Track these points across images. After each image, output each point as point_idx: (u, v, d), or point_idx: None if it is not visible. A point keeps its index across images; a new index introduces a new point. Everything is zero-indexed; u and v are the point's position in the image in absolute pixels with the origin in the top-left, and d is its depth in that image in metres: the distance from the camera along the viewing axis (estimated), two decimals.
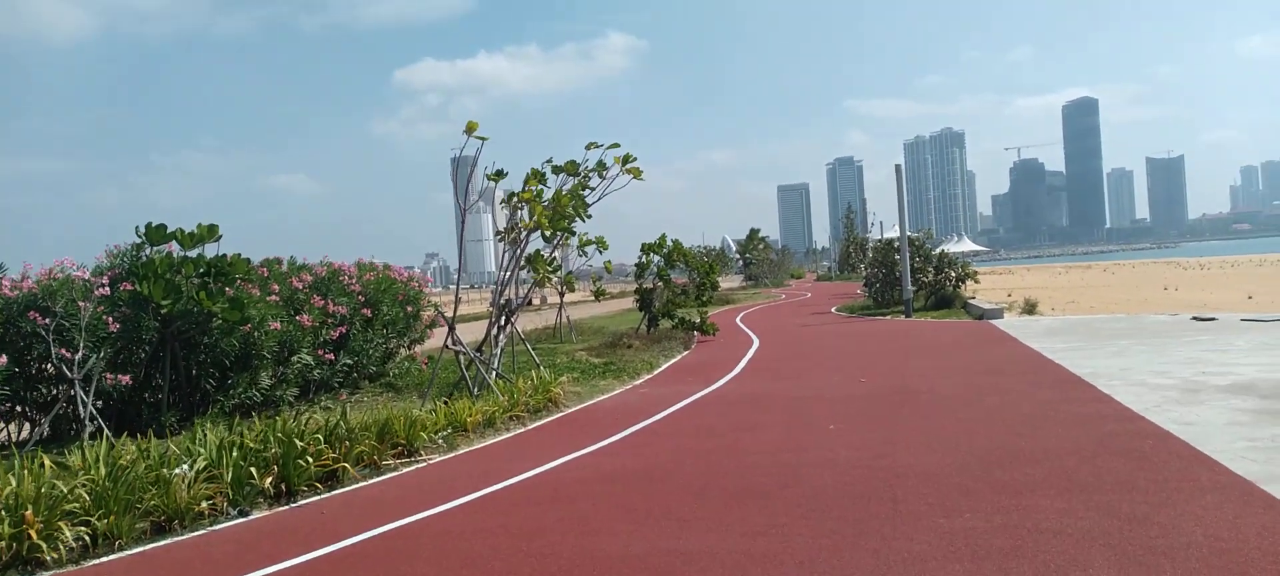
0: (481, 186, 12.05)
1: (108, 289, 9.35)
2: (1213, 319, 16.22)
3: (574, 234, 13.81)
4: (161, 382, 9.91)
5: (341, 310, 11.97)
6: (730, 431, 8.52)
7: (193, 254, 10.37)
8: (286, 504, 6.73)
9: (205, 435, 7.43)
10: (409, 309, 14.26)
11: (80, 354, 8.56)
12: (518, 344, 14.55)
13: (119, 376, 9.37)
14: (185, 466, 6.72)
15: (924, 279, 27.40)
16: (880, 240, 36.20)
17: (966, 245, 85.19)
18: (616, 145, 13.87)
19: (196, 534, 6.04)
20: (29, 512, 5.55)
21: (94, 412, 8.59)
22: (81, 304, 8.82)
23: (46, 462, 6.36)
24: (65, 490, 5.88)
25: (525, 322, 25.58)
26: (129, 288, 9.70)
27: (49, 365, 8.99)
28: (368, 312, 12.69)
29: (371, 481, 7.29)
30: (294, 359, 11.16)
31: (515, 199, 10.85)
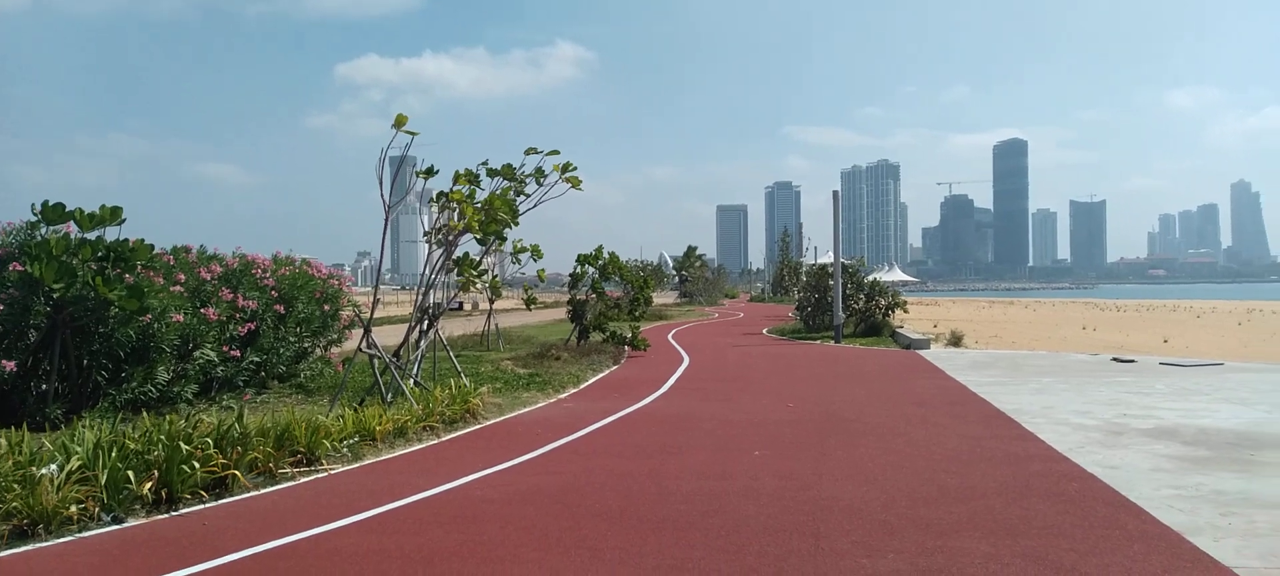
0: (411, 184, 11.56)
1: None
2: (1132, 360, 16.55)
3: (506, 239, 13.39)
4: (50, 371, 9.19)
5: (252, 305, 11.33)
6: (653, 453, 8.20)
7: (92, 236, 9.67)
8: (167, 512, 6.19)
9: (83, 432, 6.83)
10: (327, 307, 13.63)
11: None
12: (440, 350, 14.03)
13: (3, 362, 8.65)
14: (54, 466, 6.13)
15: (855, 306, 27.60)
16: (814, 265, 36.50)
17: (897, 275, 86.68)
18: (556, 152, 13.54)
19: (62, 541, 5.48)
20: None
21: None
22: None
23: None
24: None
25: (453, 328, 24.94)
26: (19, 268, 8.98)
27: None
28: (281, 309, 12.05)
29: (264, 491, 6.76)
30: (196, 354, 10.49)
31: (445, 199, 10.40)
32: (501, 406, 11.04)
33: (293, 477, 7.15)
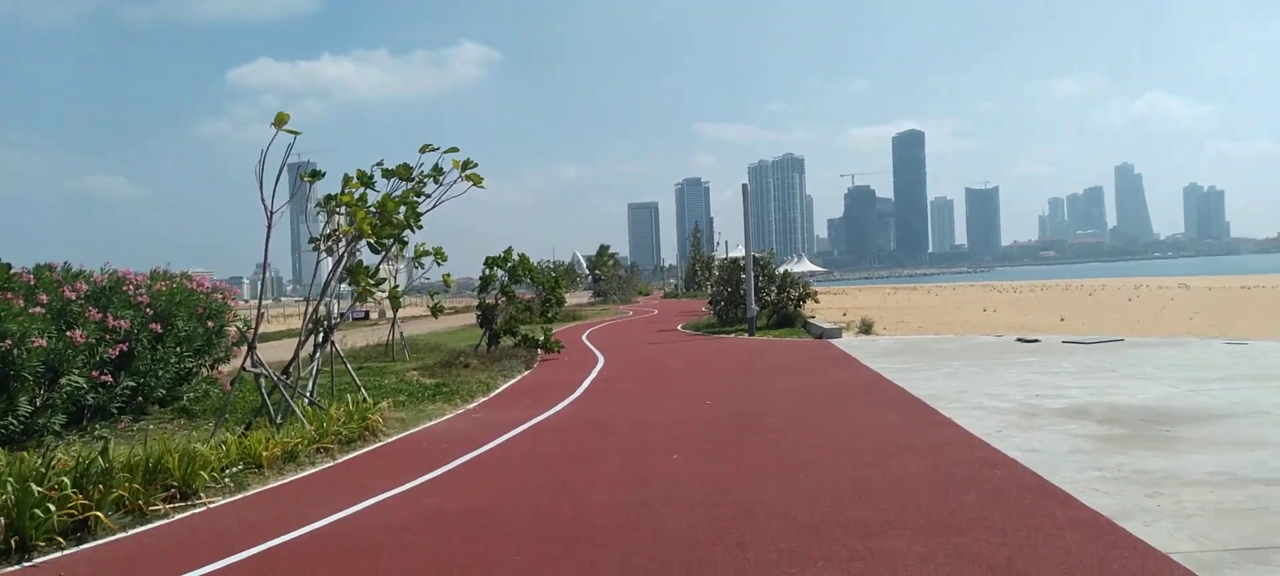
0: (306, 188, 10.80)
1: None
2: (1036, 340, 16.89)
3: (405, 243, 12.72)
4: None
5: (124, 325, 10.40)
6: (567, 462, 7.76)
7: None
8: (18, 562, 5.46)
9: None
10: (210, 324, 12.71)
11: None
12: (338, 364, 13.26)
13: None
14: None
15: (767, 298, 27.66)
16: (726, 258, 36.56)
17: (806, 265, 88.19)
18: (455, 149, 12.92)
19: None
20: None
21: None
22: None
23: None
24: None
25: (357, 339, 23.94)
26: None
27: None
28: (158, 328, 11.12)
29: (132, 532, 6.06)
30: (63, 381, 9.55)
31: (332, 202, 9.71)
32: (405, 421, 10.42)
33: (165, 515, 6.45)
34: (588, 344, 22.98)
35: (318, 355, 11.08)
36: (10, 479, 6.03)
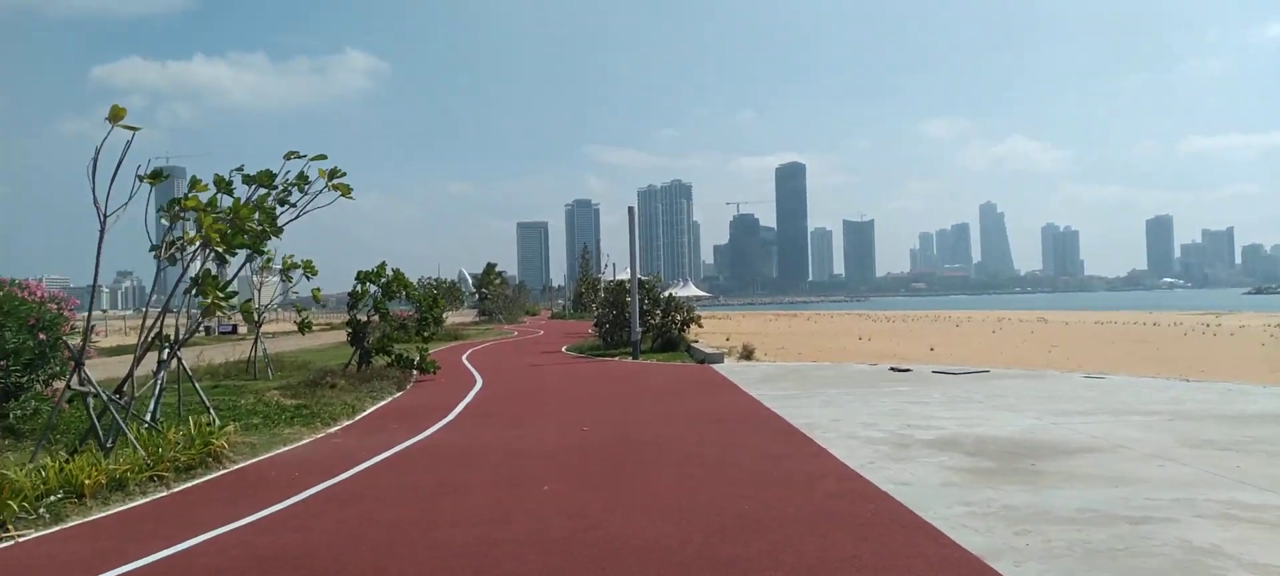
0: (134, 187, 9.88)
1: None
2: (908, 370, 17.30)
3: (264, 254, 11.91)
4: None
5: None
6: (429, 495, 7.26)
7: None
8: None
9: None
10: (43, 336, 11.52)
11: None
12: (186, 382, 12.26)
13: None
14: None
15: (652, 321, 27.58)
16: (612, 281, 36.40)
17: (692, 290, 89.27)
18: (323, 156, 12.18)
19: None
20: None
21: None
22: None
23: None
24: None
25: (219, 355, 22.47)
26: None
27: None
28: None
29: None
30: None
31: (176, 207, 8.91)
32: (256, 446, 9.64)
33: None
34: (467, 365, 22.28)
35: (161, 373, 10.16)
36: None
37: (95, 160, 7.72)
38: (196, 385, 11.84)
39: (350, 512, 6.72)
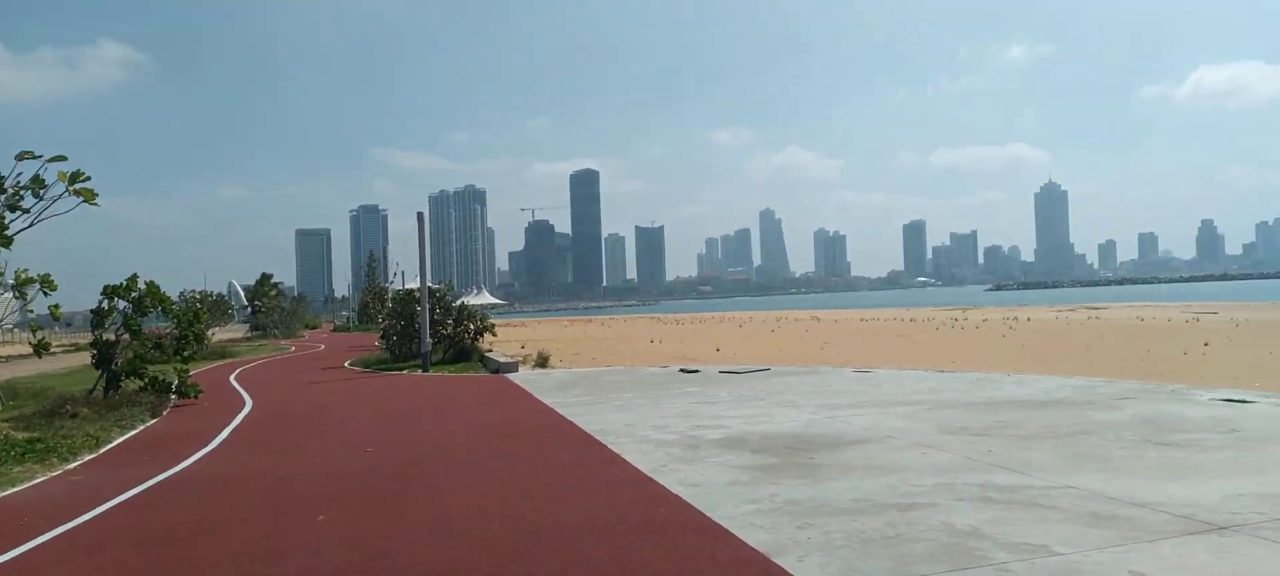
0: None
1: None
2: (697, 370, 17.81)
3: None
4: None
5: None
6: (183, 536, 6.50)
7: None
8: None
9: None
10: None
11: None
12: None
13: None
14: None
15: (444, 331, 26.80)
16: (401, 290, 35.05)
17: (486, 298, 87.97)
18: (62, 158, 10.90)
19: None
20: None
21: None
22: None
23: None
24: None
25: None
26: None
27: None
28: None
29: None
30: None
31: None
32: None
33: None
34: (236, 386, 20.59)
35: None
36: None
37: None
38: None
39: (87, 563, 5.87)
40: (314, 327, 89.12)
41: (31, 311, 17.40)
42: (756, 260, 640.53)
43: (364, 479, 8.36)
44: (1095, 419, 9.75)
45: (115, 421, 12.97)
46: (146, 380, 16.54)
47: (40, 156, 10.77)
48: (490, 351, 25.71)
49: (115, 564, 5.81)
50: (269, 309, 73.03)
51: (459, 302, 29.99)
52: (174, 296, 20.59)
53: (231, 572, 5.46)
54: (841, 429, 9.76)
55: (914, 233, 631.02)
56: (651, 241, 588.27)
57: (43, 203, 11.03)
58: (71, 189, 10.92)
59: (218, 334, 51.15)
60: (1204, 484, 6.58)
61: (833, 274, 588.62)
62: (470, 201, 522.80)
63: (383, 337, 30.99)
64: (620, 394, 14.35)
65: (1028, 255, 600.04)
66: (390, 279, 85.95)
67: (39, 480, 8.98)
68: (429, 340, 24.01)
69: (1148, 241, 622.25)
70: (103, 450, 10.87)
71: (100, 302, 17.27)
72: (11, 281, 14.71)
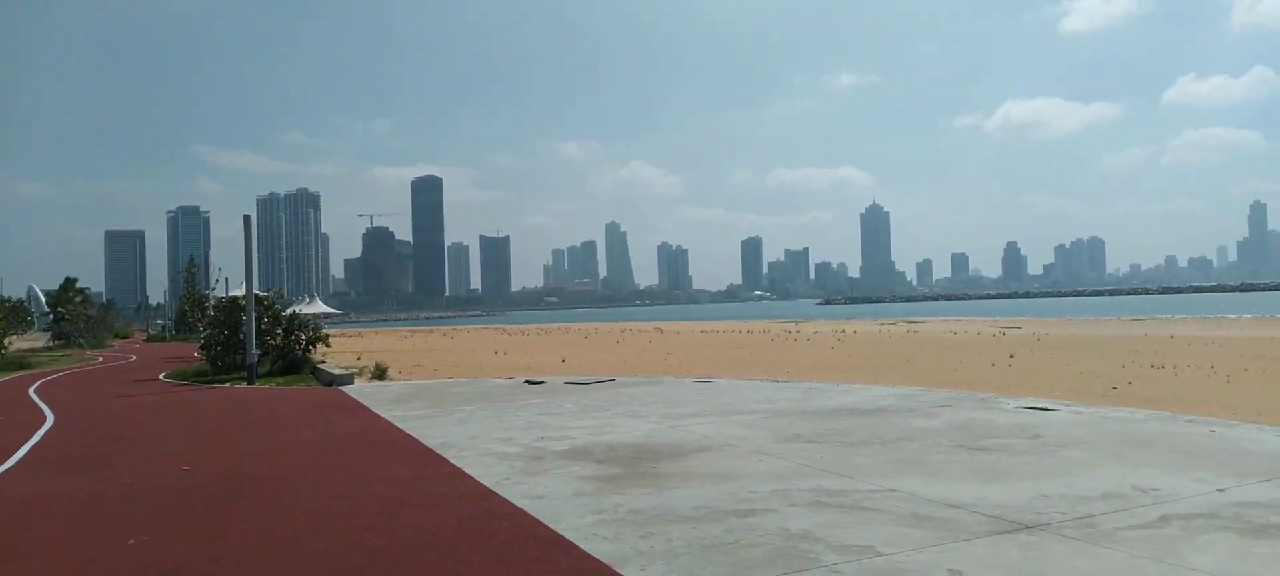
0: None
1: None
2: (542, 382, 17.71)
3: None
4: None
5: None
6: None
7: None
8: None
9: None
10: None
11: None
12: None
13: None
14: None
15: (272, 342, 25.44)
16: (225, 298, 32.94)
17: (319, 307, 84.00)
18: None
19: None
20: None
21: None
22: None
23: None
24: None
25: None
26: None
27: None
28: None
29: None
30: None
31: None
32: None
33: None
34: (35, 399, 18.73)
35: None
36: None
37: None
38: None
39: None
40: (125, 337, 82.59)
41: None
42: (602, 272, 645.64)
43: (182, 499, 7.78)
44: (915, 425, 10.39)
45: None
46: None
47: None
48: (323, 363, 24.60)
49: None
50: (74, 316, 67.02)
51: (289, 311, 28.54)
52: None
53: None
54: (684, 438, 9.95)
55: (752, 248, 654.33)
56: (497, 251, 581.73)
57: None
58: None
59: (15, 343, 46.44)
60: (1012, 486, 7.14)
61: (675, 287, 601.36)
62: (303, 205, 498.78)
63: (203, 348, 29.00)
64: (463, 406, 14.06)
65: (855, 271, 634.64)
66: (213, 286, 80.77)
67: None
68: (255, 351, 22.70)
69: (960, 260, 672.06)
70: None
71: None
72: None
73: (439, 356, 33.77)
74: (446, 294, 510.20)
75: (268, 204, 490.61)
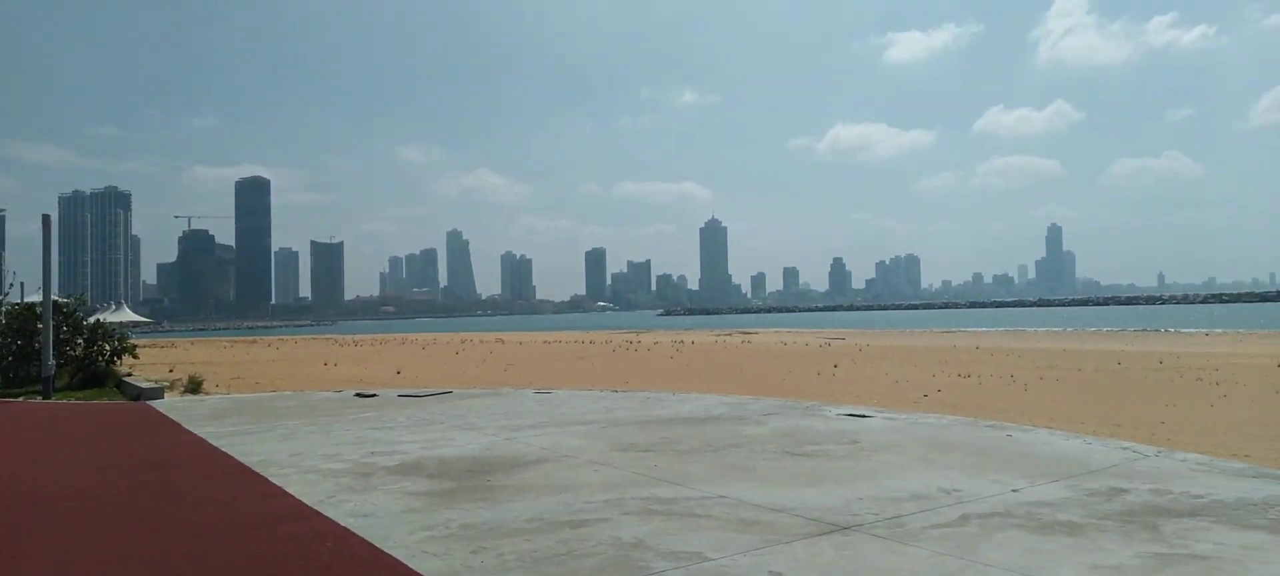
0: None
1: None
2: (374, 394, 17.11)
3: None
4: None
5: None
6: None
7: None
8: None
9: None
10: None
11: None
12: None
13: None
14: None
15: (72, 352, 23.34)
16: (17, 305, 29.92)
17: (127, 314, 77.92)
18: None
19: None
20: None
21: None
22: None
23: None
24: None
25: None
26: None
27: None
28: None
29: None
30: None
31: None
32: None
33: None
34: None
35: None
36: None
37: None
38: None
39: None
40: None
41: None
42: (443, 281, 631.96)
43: None
44: (745, 433, 10.77)
45: None
46: None
47: None
48: (130, 375, 22.79)
49: None
50: None
51: (93, 320, 26.27)
52: None
53: None
54: (521, 450, 9.87)
55: (595, 260, 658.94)
56: (329, 258, 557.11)
57: None
58: None
59: None
60: (831, 489, 7.52)
61: (519, 297, 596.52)
62: (112, 204, 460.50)
63: None
64: (286, 421, 13.36)
65: (694, 283, 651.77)
66: (6, 291, 73.05)
67: None
68: (52, 362, 20.71)
69: (791, 274, 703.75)
70: None
71: None
72: None
73: (262, 369, 32.00)
74: (273, 302, 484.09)
75: (72, 203, 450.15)
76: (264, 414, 14.48)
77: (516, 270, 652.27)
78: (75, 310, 25.45)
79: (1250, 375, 24.21)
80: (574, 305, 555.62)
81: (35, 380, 21.39)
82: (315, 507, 7.28)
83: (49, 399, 19.40)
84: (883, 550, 5.66)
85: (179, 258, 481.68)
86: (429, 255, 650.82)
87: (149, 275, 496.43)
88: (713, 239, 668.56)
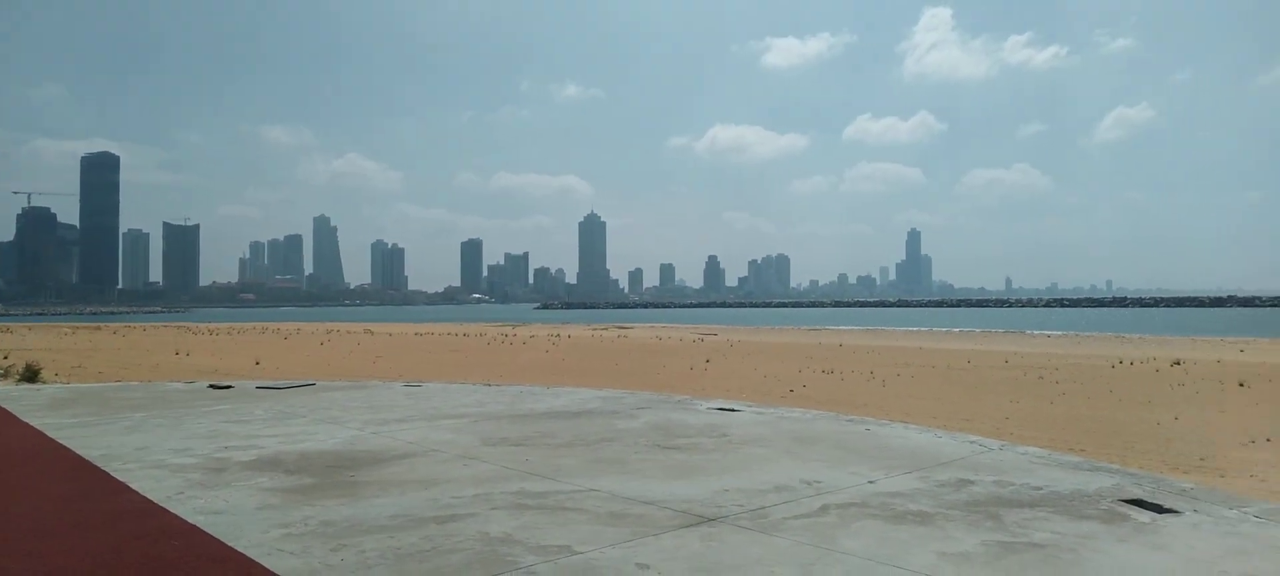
0: None
1: None
2: (230, 386, 16.27)
3: None
4: None
5: None
6: None
7: None
8: None
9: None
10: None
11: None
12: None
13: None
14: None
15: None
16: None
17: None
18: None
19: None
20: None
21: None
22: None
23: None
24: None
25: None
26: None
27: None
28: None
29: None
30: None
31: None
32: None
33: None
34: None
35: None
36: None
37: None
38: None
39: None
40: None
41: None
42: (308, 268, 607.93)
43: None
44: (617, 426, 10.83)
45: None
46: None
47: None
48: None
49: None
50: None
51: None
52: None
53: None
54: (387, 444, 9.60)
55: (471, 250, 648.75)
56: (184, 241, 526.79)
57: None
58: None
59: None
60: (699, 481, 7.65)
61: (390, 286, 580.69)
62: None
63: None
64: (133, 413, 12.54)
65: (572, 277, 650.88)
66: None
67: None
68: None
69: (668, 270, 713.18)
70: None
71: None
72: None
73: (107, 356, 29.96)
74: (120, 287, 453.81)
75: None
76: (107, 405, 13.54)
77: (388, 259, 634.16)
78: None
79: (1087, 374, 26.18)
80: (448, 297, 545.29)
81: None
82: (162, 504, 6.86)
83: None
84: (747, 541, 5.80)
85: (16, 236, 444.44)
86: (294, 241, 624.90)
87: None
88: (591, 233, 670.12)
